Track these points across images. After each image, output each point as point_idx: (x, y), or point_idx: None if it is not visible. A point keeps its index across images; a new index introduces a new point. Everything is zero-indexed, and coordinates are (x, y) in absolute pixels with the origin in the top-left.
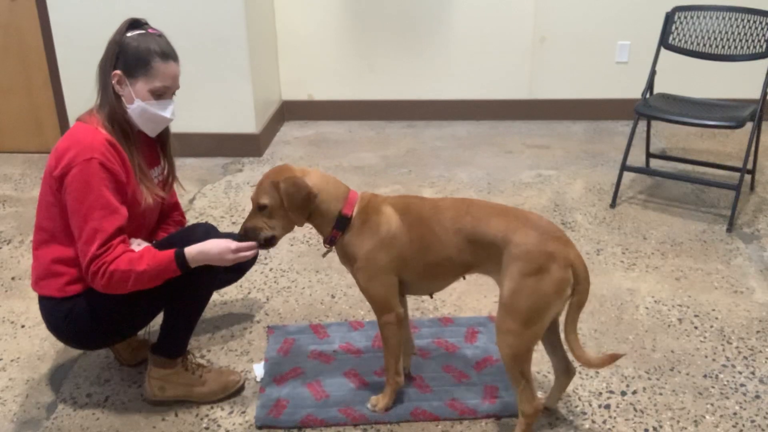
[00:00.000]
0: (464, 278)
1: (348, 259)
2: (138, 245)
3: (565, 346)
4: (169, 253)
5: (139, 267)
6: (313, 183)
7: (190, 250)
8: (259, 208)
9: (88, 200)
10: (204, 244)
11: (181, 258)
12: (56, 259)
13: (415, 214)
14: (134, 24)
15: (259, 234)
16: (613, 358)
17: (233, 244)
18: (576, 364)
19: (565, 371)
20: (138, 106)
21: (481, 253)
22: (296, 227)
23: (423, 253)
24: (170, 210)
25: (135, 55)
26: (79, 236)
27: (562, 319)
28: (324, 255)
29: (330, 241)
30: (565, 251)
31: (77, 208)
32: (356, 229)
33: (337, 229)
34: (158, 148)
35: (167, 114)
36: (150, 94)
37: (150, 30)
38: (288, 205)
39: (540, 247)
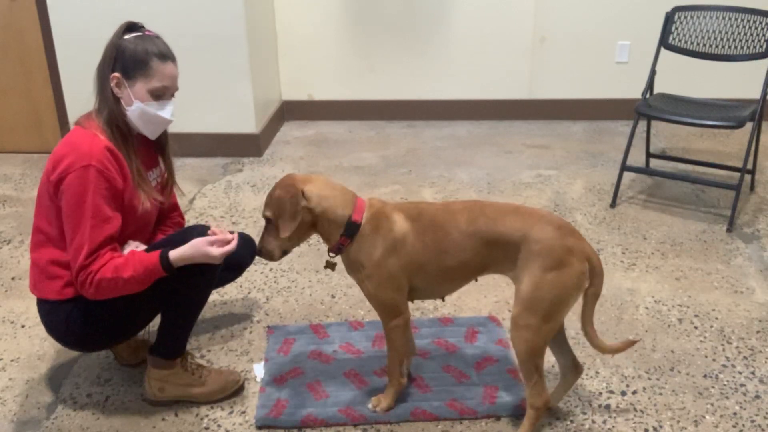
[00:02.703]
0: (476, 280)
1: (355, 268)
2: (136, 248)
3: (572, 343)
4: (154, 256)
5: (125, 274)
6: (316, 190)
7: (174, 254)
8: (267, 221)
9: (82, 208)
10: (185, 247)
11: (165, 260)
12: (53, 262)
13: (427, 220)
14: (131, 27)
15: (272, 254)
16: (629, 344)
17: (213, 251)
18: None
19: (573, 369)
20: (137, 108)
21: (498, 253)
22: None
23: (439, 258)
24: (169, 211)
25: (133, 56)
26: (70, 243)
27: (567, 318)
28: (328, 266)
29: (337, 249)
30: (581, 245)
31: (70, 215)
32: (366, 236)
33: (345, 236)
34: (156, 150)
35: (167, 115)
36: (149, 95)
37: (147, 32)
38: (279, 212)
39: (559, 242)
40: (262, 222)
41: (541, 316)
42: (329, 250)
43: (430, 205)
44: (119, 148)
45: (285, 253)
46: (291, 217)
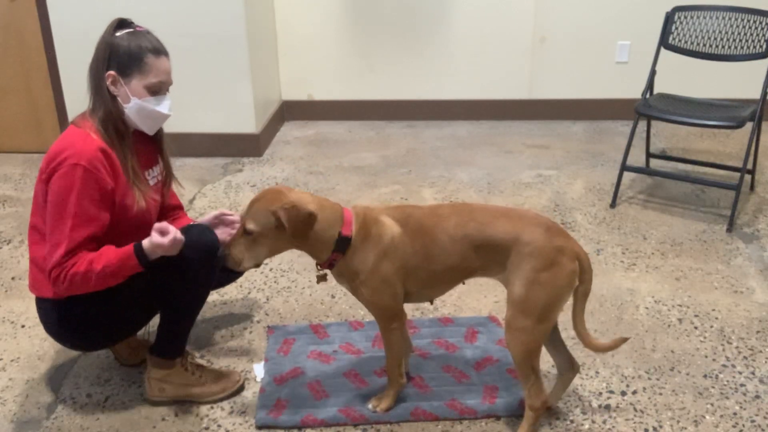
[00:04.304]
0: (464, 283)
1: (348, 276)
2: None
3: (569, 343)
4: (128, 246)
5: (98, 266)
6: (312, 209)
7: (145, 240)
8: (245, 232)
9: (65, 206)
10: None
11: (138, 248)
12: None
13: (415, 224)
14: (122, 24)
15: (240, 263)
16: (620, 341)
17: (154, 236)
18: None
19: (569, 367)
20: (135, 104)
21: (487, 257)
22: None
23: (427, 262)
24: (171, 210)
25: (127, 53)
26: (49, 238)
27: (561, 318)
28: (319, 281)
29: (329, 265)
30: (571, 244)
31: (53, 211)
32: (358, 246)
33: (337, 252)
34: (155, 148)
35: (164, 110)
36: (146, 91)
37: (138, 28)
38: (291, 232)
39: (549, 243)
40: None
41: (536, 317)
42: (319, 265)
43: (417, 209)
44: (114, 148)
45: (256, 265)
46: (303, 234)
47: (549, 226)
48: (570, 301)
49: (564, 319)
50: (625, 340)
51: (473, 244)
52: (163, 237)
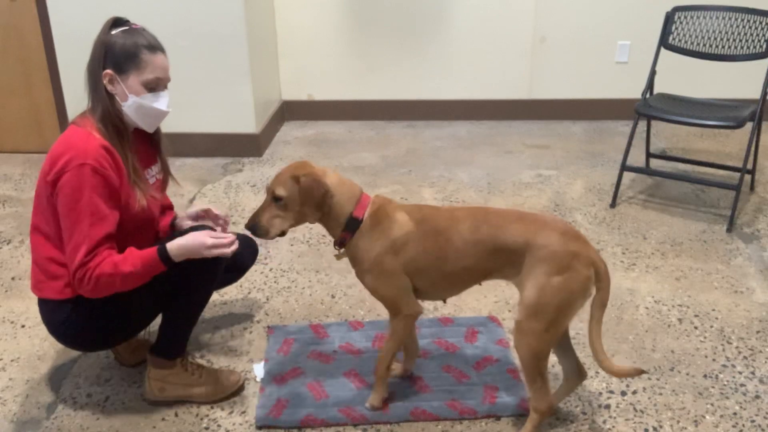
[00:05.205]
0: (480, 284)
1: (355, 261)
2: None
3: (577, 351)
4: (153, 250)
5: (125, 269)
6: (330, 183)
7: (171, 245)
8: (274, 199)
9: (78, 206)
10: (183, 238)
11: (164, 253)
12: (53, 261)
13: (431, 225)
14: (117, 22)
15: (269, 231)
16: (638, 372)
17: (209, 240)
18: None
19: (576, 373)
20: (133, 102)
21: (501, 260)
22: (304, 225)
23: (440, 263)
24: (164, 212)
25: (123, 51)
26: (68, 241)
27: (573, 324)
28: (338, 257)
29: (340, 243)
30: (587, 250)
31: (67, 214)
32: (366, 231)
33: (346, 231)
34: (154, 147)
35: (163, 106)
36: (143, 88)
37: (133, 26)
38: (304, 200)
39: (564, 248)
40: None
41: (546, 322)
42: (334, 244)
43: (433, 210)
44: (115, 146)
45: (282, 233)
46: (315, 206)
47: (565, 231)
48: (587, 312)
49: (575, 325)
50: (640, 372)
51: (488, 248)
52: (210, 240)
